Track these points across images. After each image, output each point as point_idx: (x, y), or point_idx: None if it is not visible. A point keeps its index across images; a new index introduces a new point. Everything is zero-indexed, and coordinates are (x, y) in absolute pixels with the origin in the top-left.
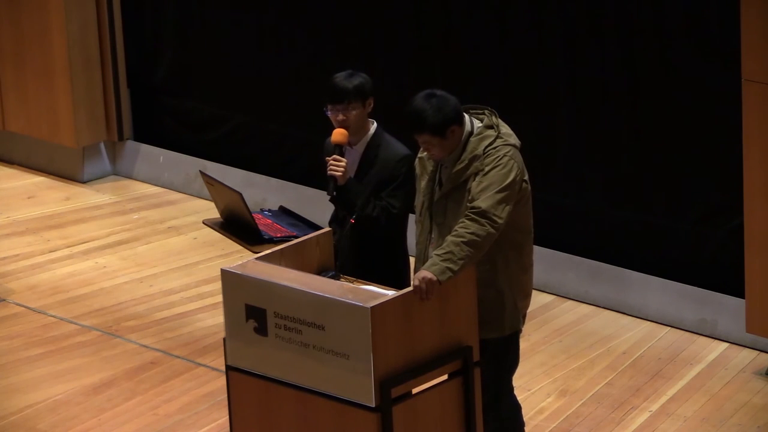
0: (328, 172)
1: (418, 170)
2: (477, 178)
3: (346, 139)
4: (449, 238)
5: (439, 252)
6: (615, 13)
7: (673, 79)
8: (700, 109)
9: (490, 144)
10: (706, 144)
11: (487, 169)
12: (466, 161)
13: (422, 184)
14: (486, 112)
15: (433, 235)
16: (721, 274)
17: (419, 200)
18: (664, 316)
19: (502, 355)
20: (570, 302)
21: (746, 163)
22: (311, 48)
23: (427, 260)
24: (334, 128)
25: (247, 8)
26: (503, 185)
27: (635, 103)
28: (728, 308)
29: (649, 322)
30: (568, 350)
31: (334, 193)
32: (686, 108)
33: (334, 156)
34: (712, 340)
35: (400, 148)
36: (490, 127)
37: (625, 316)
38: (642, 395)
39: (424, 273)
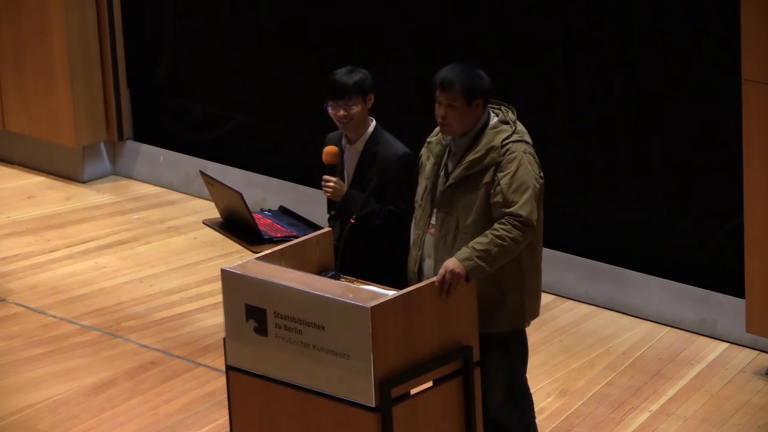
0: (323, 192)
1: (424, 156)
2: (503, 178)
3: (336, 159)
4: (489, 235)
5: (477, 247)
6: (615, 13)
7: (673, 79)
8: (700, 109)
9: (508, 137)
10: (706, 144)
11: (512, 168)
12: (483, 151)
13: (427, 168)
14: (503, 108)
15: (433, 222)
16: (721, 274)
17: (422, 185)
18: (664, 316)
19: (508, 350)
20: (570, 302)
21: (746, 163)
22: (311, 48)
23: (423, 245)
24: (334, 125)
25: (247, 8)
26: (534, 187)
27: (635, 102)
28: (728, 308)
29: (649, 322)
30: (568, 350)
31: (332, 212)
32: (686, 108)
33: (324, 177)
34: (712, 340)
35: (399, 147)
36: (505, 122)
37: (625, 316)
38: (642, 395)
39: (454, 267)
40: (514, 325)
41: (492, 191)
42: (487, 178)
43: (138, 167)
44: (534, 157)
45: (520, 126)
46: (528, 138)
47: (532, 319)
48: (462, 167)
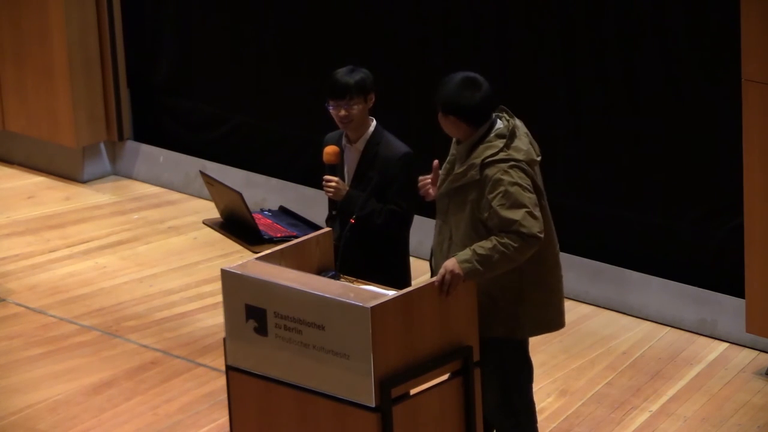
0: (325, 192)
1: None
2: (494, 200)
3: (336, 158)
4: (493, 241)
5: (479, 251)
6: (615, 13)
7: (673, 79)
8: (700, 109)
9: (491, 155)
10: (706, 144)
11: (501, 189)
12: (465, 167)
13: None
14: (510, 120)
15: (438, 222)
16: (721, 274)
17: None
18: (664, 316)
19: (500, 357)
20: (570, 302)
21: (746, 163)
22: (311, 48)
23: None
24: (335, 124)
25: (246, 8)
26: (529, 199)
27: (635, 102)
28: (728, 308)
29: (649, 322)
30: (568, 350)
31: (334, 212)
32: (686, 108)
33: (324, 177)
34: (712, 340)
35: (400, 146)
36: (501, 136)
37: (625, 316)
38: (642, 395)
39: (453, 267)
40: (508, 334)
41: (487, 214)
42: (472, 195)
43: (138, 167)
44: (522, 170)
45: (516, 142)
46: (520, 154)
47: (539, 332)
48: (449, 180)
